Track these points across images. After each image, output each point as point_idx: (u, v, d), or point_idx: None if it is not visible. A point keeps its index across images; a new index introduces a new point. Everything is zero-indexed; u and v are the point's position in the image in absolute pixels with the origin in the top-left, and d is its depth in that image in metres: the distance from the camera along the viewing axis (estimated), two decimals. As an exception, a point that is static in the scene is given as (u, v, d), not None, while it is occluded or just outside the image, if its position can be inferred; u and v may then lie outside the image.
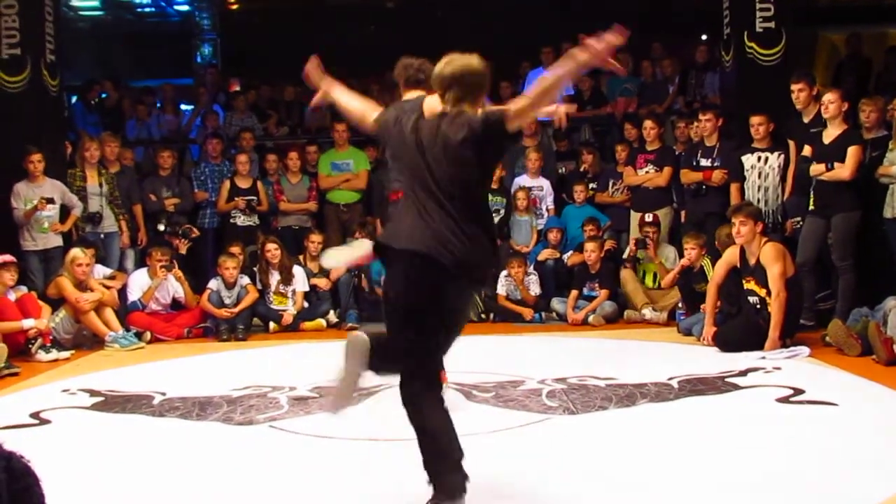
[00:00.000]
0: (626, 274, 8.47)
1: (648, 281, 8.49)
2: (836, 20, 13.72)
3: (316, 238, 8.91)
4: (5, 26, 8.74)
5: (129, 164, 9.76)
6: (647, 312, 8.15)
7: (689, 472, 3.75)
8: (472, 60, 3.32)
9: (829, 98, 7.11)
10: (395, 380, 5.59)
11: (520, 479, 3.71)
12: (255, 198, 9.38)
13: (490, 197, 9.40)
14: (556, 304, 8.63)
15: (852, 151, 6.96)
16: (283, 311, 8.45)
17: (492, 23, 13.13)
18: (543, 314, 8.59)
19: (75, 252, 7.86)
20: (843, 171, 6.97)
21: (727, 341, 6.55)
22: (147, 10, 14.79)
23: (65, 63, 9.57)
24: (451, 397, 5.22)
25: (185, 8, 15.09)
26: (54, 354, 7.19)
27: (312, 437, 4.51)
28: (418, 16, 12.62)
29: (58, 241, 8.40)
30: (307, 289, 8.63)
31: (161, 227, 9.21)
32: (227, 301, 8.28)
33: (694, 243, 7.65)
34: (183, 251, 8.93)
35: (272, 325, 8.44)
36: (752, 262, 6.62)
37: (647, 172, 8.85)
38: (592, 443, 4.28)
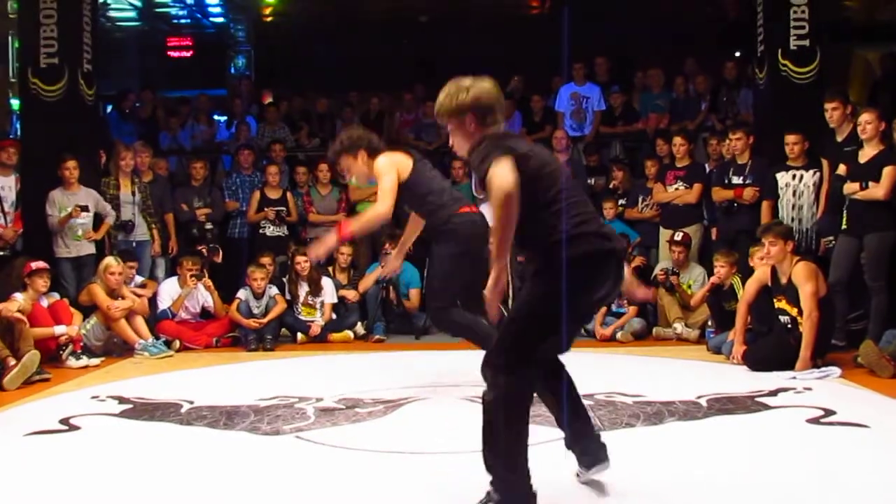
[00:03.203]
0: (660, 290, 8.41)
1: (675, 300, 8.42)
2: (872, 38, 13.62)
3: (345, 250, 8.93)
4: (44, 36, 8.85)
5: (163, 173, 9.85)
6: (679, 327, 8.09)
7: (715, 491, 3.70)
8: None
9: (867, 118, 7.05)
10: (419, 394, 5.62)
11: (546, 492, 3.68)
12: (284, 208, 9.44)
13: (518, 211, 9.42)
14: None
15: (888, 171, 6.89)
16: (312, 322, 8.48)
17: (520, 38, 13.15)
18: (571, 330, 8.53)
19: (109, 260, 7.94)
20: (878, 190, 6.90)
21: (757, 360, 6.48)
22: (183, 21, 14.92)
23: (102, 72, 9.67)
24: (474, 411, 5.22)
25: (220, 20, 15.22)
26: (84, 361, 7.25)
27: (338, 448, 4.50)
28: (449, 29, 12.65)
29: (91, 248, 8.48)
30: (335, 300, 8.65)
31: (195, 232, 9.28)
32: (255, 311, 8.31)
33: (724, 261, 7.60)
34: (218, 260, 8.99)
35: (300, 335, 8.46)
36: (784, 280, 6.56)
37: (676, 189, 8.81)
38: (619, 460, 4.22)
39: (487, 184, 3.08)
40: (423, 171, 5.83)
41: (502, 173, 2.99)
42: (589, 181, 10.30)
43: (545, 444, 4.08)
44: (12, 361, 6.33)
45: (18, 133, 10.56)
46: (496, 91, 3.43)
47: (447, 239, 5.66)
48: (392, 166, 5.72)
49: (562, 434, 3.77)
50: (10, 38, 13.18)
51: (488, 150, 3.13)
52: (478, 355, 6.39)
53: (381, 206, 5.61)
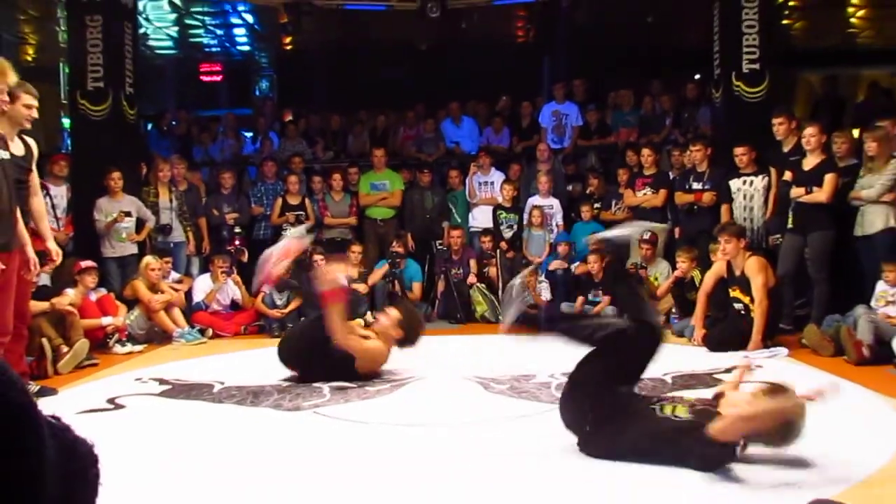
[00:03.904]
0: (629, 282, 8.41)
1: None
2: (814, 63, 13.65)
3: (356, 248, 8.93)
4: (91, 62, 8.84)
5: (197, 183, 9.84)
6: (651, 312, 8.06)
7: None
8: None
9: (811, 132, 7.06)
10: (421, 373, 5.61)
11: (532, 459, 3.70)
12: (303, 213, 9.42)
13: (504, 214, 9.44)
14: (565, 308, 8.58)
15: (829, 178, 6.90)
16: (327, 311, 8.46)
17: (508, 62, 13.14)
18: (554, 317, 8.55)
19: (149, 259, 7.94)
20: (821, 194, 6.91)
21: (715, 342, 6.50)
22: (214, 49, 14.89)
23: (142, 94, 9.66)
24: (471, 389, 5.23)
25: (246, 48, 15.20)
26: (129, 348, 7.24)
27: (351, 422, 4.51)
28: (446, 55, 12.65)
29: (133, 249, 8.47)
30: (348, 292, 8.64)
31: (224, 234, 9.27)
32: (278, 303, 8.30)
33: (686, 257, 7.60)
34: (244, 259, 8.99)
35: (317, 323, 8.44)
36: (738, 273, 6.56)
37: (644, 194, 8.82)
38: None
39: None
40: None
41: None
42: (568, 187, 10.32)
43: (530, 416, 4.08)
44: (65, 349, 6.32)
45: (69, 148, 10.54)
46: None
47: None
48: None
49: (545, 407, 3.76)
50: (60, 65, 13.16)
51: None
52: (470, 340, 6.41)
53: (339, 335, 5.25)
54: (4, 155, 4.91)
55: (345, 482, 3.48)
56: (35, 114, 5.16)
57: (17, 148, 5.12)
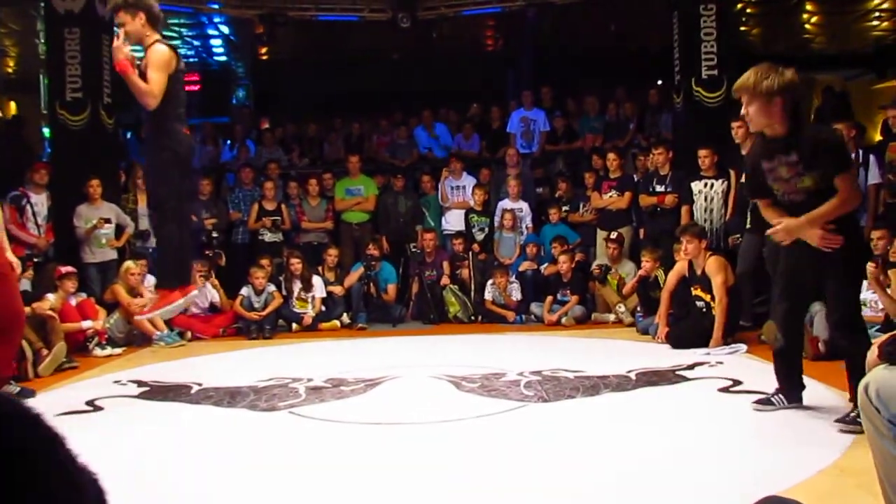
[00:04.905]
0: (597, 284, 8.42)
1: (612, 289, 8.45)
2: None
3: (332, 252, 8.91)
4: (69, 74, 8.75)
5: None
6: (622, 307, 8.07)
7: (642, 449, 3.71)
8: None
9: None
10: (395, 373, 5.59)
11: (501, 455, 3.69)
12: (279, 218, 9.37)
13: (476, 217, 9.44)
14: (535, 307, 8.60)
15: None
16: (304, 313, 8.41)
17: (477, 71, 13.15)
18: (524, 316, 8.56)
19: (128, 263, 7.86)
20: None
21: (678, 340, 6.52)
22: (191, 59, 14.76)
23: (122, 104, 9.54)
24: (443, 388, 5.21)
25: (223, 58, 15.10)
26: (109, 350, 7.15)
27: (325, 421, 4.47)
28: (418, 64, 12.65)
29: (113, 254, 8.38)
30: (324, 295, 8.59)
31: (203, 239, 9.19)
32: (256, 305, 8.24)
33: (650, 256, 7.62)
34: (222, 264, 8.91)
35: (294, 325, 8.39)
36: (699, 272, 6.59)
37: (610, 196, 8.84)
38: (562, 426, 4.24)
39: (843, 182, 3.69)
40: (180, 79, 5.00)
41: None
42: (537, 190, 10.34)
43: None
44: (45, 352, 6.23)
45: (49, 157, 10.41)
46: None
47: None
48: (167, 64, 4.77)
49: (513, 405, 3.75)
50: (41, 76, 12.98)
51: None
52: (443, 340, 6.38)
53: (149, 95, 4.69)
54: None
55: (321, 481, 3.45)
56: None
57: None
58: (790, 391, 4.28)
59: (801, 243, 3.91)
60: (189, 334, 7.94)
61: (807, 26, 13.22)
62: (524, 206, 9.54)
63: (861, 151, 7.57)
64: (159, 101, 4.72)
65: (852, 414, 3.64)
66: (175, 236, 4.98)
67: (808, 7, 12.49)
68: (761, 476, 3.23)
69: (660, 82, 11.39)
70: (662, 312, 6.90)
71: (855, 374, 3.48)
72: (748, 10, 12.25)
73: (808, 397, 4.34)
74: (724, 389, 4.90)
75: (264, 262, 8.56)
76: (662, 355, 6.13)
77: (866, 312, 6.11)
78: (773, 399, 4.30)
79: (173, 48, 4.91)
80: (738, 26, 12.38)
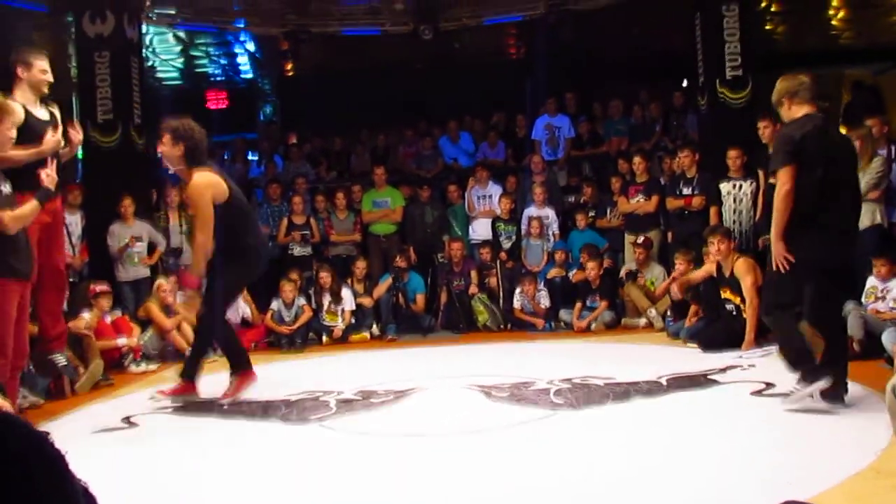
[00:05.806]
0: (627, 286, 8.36)
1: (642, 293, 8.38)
2: (797, 64, 13.57)
3: (361, 264, 8.95)
4: (100, 96, 8.90)
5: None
6: (653, 311, 8.01)
7: (675, 455, 3.68)
8: None
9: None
10: (424, 384, 5.59)
11: (531, 464, 3.67)
12: (308, 232, 9.43)
13: (503, 225, 9.42)
14: (564, 314, 8.56)
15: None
16: (334, 326, 8.45)
17: (501, 79, 13.12)
18: (553, 323, 8.53)
19: (161, 280, 7.96)
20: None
21: (709, 343, 6.44)
22: (218, 78, 14.93)
23: (151, 123, 9.68)
24: (473, 397, 5.20)
25: (249, 76, 15.25)
26: (143, 367, 7.24)
27: (355, 433, 4.49)
28: (441, 74, 12.67)
29: (146, 272, 8.49)
30: (354, 307, 8.62)
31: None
32: (286, 319, 8.29)
33: (683, 259, 7.53)
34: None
35: (325, 338, 8.43)
36: (728, 274, 6.53)
37: (637, 201, 8.78)
38: (592, 434, 4.21)
39: None
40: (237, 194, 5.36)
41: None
42: (568, 199, 10.28)
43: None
44: (82, 370, 6.32)
45: (82, 178, 10.56)
46: None
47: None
48: (208, 188, 5.11)
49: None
50: (73, 98, 13.21)
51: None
52: (472, 349, 6.37)
53: (200, 237, 5.11)
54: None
55: (352, 493, 3.45)
56: (50, 77, 5.07)
57: (42, 114, 5.05)
58: (809, 373, 4.29)
59: None
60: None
61: (833, 22, 13.04)
62: (550, 212, 9.51)
63: (894, 148, 7.45)
64: (212, 229, 5.02)
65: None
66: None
67: (835, 2, 12.33)
68: (795, 480, 3.18)
69: (685, 84, 11.30)
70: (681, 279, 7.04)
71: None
72: (772, 9, 12.11)
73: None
74: (757, 392, 4.84)
75: (294, 275, 8.62)
76: (694, 359, 6.07)
77: (881, 308, 6.04)
78: (794, 389, 4.31)
79: (207, 178, 5.12)
80: (762, 25, 12.25)
